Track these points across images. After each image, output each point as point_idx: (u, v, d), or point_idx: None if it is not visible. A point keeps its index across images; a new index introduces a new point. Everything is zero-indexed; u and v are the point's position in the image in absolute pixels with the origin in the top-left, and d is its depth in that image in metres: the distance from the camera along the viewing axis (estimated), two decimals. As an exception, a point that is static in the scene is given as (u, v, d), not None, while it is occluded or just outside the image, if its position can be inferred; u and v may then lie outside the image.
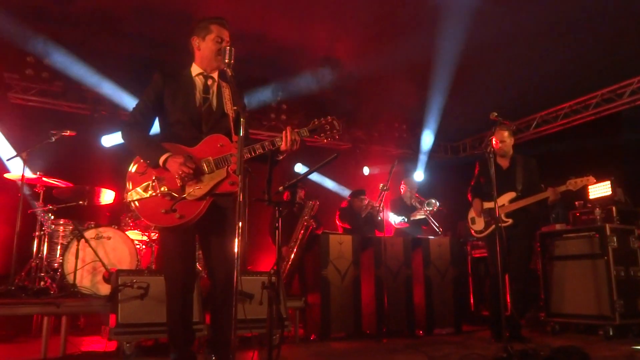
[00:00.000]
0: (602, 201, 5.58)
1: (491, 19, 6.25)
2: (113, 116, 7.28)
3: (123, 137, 2.88)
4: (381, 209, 5.80)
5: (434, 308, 5.59)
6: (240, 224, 2.33)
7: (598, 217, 5.35)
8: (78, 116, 7.18)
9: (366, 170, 8.96)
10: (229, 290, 2.38)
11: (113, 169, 6.56)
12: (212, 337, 2.93)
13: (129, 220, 5.78)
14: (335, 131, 2.99)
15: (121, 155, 6.78)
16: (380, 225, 6.47)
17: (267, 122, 8.13)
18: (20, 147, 5.36)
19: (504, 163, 5.09)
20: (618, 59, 6.91)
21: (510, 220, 4.85)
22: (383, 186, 5.55)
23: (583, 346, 3.77)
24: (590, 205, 5.63)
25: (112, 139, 7.23)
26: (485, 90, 7.72)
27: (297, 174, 8.12)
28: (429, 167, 9.45)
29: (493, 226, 4.83)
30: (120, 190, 6.14)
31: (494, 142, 5.00)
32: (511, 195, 4.92)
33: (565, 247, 5.34)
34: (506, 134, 5.02)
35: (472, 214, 5.19)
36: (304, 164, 8.30)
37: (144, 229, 5.79)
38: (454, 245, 5.92)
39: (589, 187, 5.72)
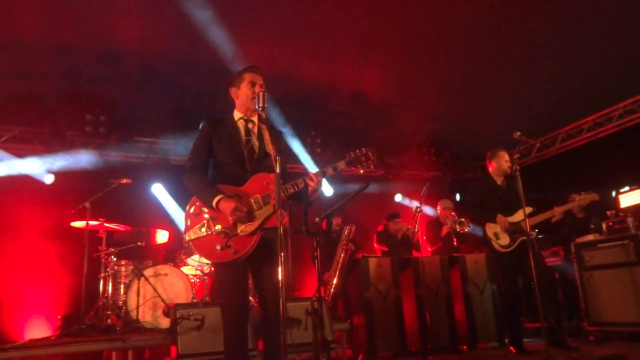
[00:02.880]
0: (634, 209, 5.40)
1: (507, 38, 6.23)
2: (164, 162, 7.56)
3: (185, 180, 3.03)
4: (416, 230, 5.77)
5: (476, 323, 5.47)
6: (282, 254, 2.40)
7: (631, 225, 5.17)
8: (133, 165, 7.45)
9: (398, 197, 8.96)
10: (279, 318, 2.42)
11: (165, 211, 6.81)
12: (266, 364, 2.96)
13: (183, 257, 5.94)
14: (370, 161, 3.08)
15: (173, 198, 7.10)
16: (417, 245, 6.44)
17: (304, 156, 8.26)
18: (84, 198, 5.63)
19: (503, 182, 5.11)
20: (638, 70, 6.73)
21: (534, 232, 4.80)
22: (417, 208, 5.53)
23: (628, 354, 3.62)
24: (622, 214, 5.46)
25: (160, 188, 7.47)
26: (509, 108, 7.65)
27: (329, 200, 8.21)
28: (460, 187, 9.33)
29: (520, 239, 4.81)
30: (173, 230, 6.35)
31: (495, 164, 5.12)
32: (529, 210, 4.86)
33: (601, 257, 5.17)
34: (507, 156, 5.11)
35: (493, 229, 5.02)
36: (336, 191, 8.39)
37: (196, 264, 5.92)
38: (490, 261, 5.80)
39: (620, 196, 5.57)
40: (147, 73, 6.94)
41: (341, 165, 3.04)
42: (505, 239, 4.93)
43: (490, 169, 5.20)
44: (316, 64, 7.06)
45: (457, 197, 9.17)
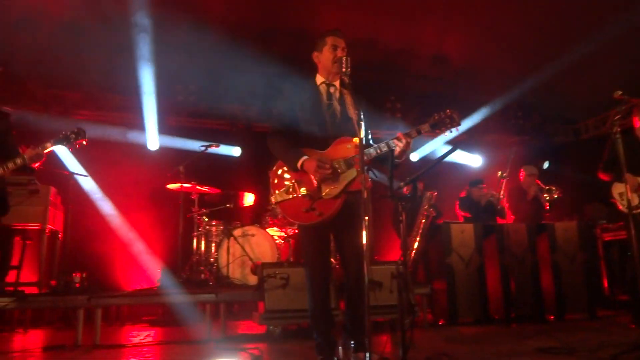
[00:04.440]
0: None
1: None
2: (248, 128, 7.73)
3: (268, 145, 3.03)
4: (501, 196, 5.49)
5: (564, 293, 5.15)
6: (366, 218, 2.36)
7: None
8: (220, 131, 7.67)
9: (479, 162, 8.50)
10: (360, 279, 2.42)
11: (252, 175, 7.00)
12: (347, 323, 2.98)
13: (269, 219, 6.09)
14: (455, 123, 2.90)
15: (258, 162, 7.27)
16: (501, 212, 6.14)
17: (384, 121, 8.09)
18: (178, 162, 5.91)
19: None
20: None
21: None
22: (501, 174, 5.24)
23: None
24: None
25: (238, 150, 7.68)
26: (606, 65, 6.91)
27: (414, 164, 7.99)
28: (549, 153, 8.66)
29: None
30: (259, 193, 6.52)
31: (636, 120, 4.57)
32: None
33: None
34: None
35: (619, 189, 4.53)
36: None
37: (281, 226, 6.06)
38: (582, 229, 5.40)
39: None
40: (233, 41, 7.05)
41: (425, 127, 2.89)
42: (635, 199, 4.43)
43: (635, 125, 4.69)
44: (397, 27, 6.79)
45: (546, 164, 8.48)
